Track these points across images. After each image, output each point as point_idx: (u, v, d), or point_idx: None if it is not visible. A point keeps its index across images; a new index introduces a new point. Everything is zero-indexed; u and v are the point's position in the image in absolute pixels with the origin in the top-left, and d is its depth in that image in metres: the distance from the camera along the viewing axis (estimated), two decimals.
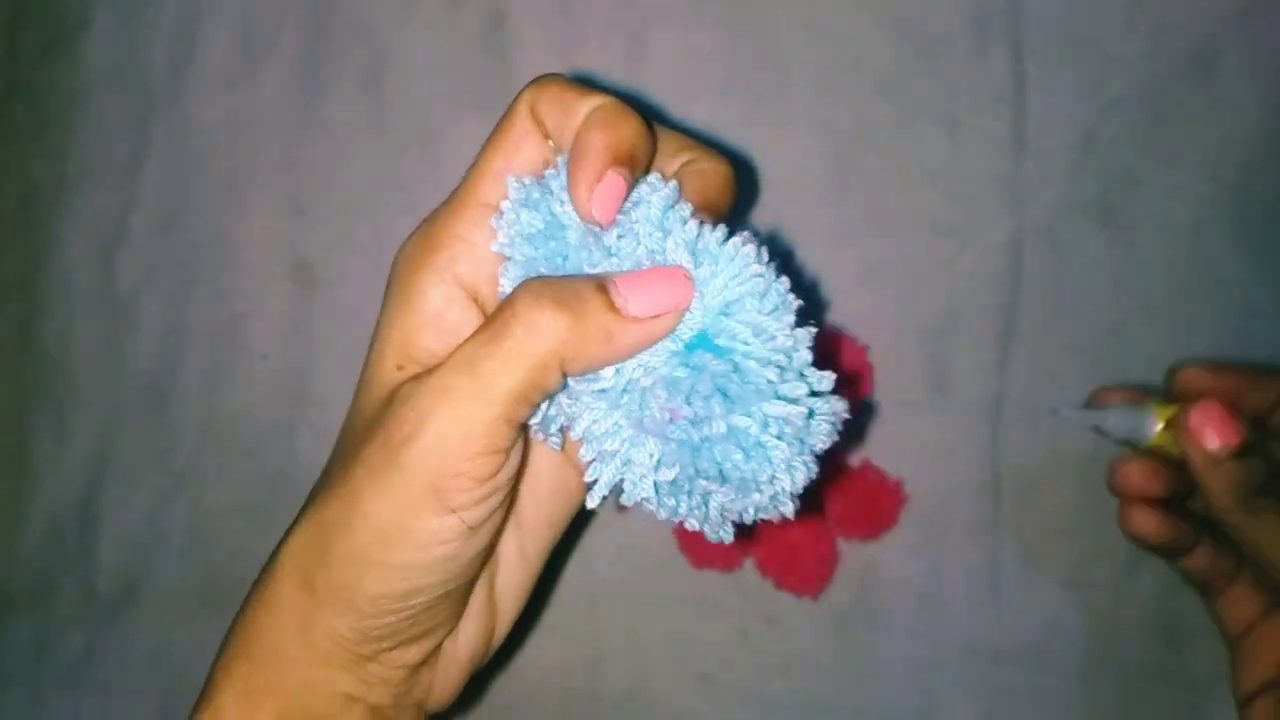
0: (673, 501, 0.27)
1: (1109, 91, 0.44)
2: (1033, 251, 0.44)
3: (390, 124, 0.49)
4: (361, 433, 0.28)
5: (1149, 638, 0.43)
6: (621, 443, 0.27)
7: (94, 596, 0.50)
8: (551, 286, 0.26)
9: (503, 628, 0.32)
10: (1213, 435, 0.33)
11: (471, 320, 0.28)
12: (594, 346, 0.25)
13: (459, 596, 0.29)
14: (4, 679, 0.51)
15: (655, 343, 0.26)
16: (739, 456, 0.26)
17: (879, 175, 0.45)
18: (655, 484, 0.27)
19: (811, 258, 0.45)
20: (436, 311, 0.28)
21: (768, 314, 0.27)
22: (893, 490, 0.44)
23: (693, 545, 0.44)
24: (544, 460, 0.32)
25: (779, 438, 0.26)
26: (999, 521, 0.44)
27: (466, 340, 0.26)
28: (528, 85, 0.30)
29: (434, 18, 0.49)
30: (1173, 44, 0.44)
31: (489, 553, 0.29)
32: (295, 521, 0.29)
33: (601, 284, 0.26)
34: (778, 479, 0.26)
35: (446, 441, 0.26)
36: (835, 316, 0.45)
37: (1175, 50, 0.44)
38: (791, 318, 0.27)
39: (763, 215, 0.46)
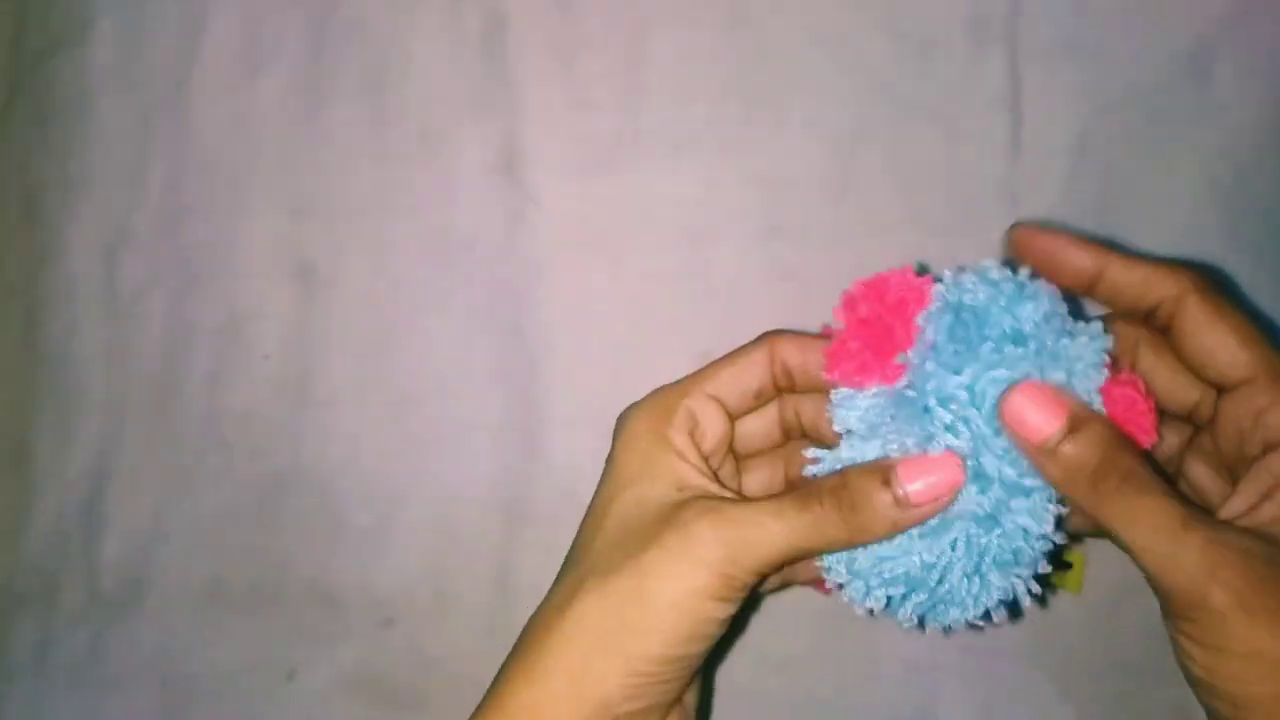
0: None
1: (1105, 93, 0.44)
2: None
3: (392, 125, 0.49)
4: (640, 531, 0.32)
5: (1149, 638, 0.43)
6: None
7: (98, 595, 0.50)
8: (853, 487, 0.30)
9: None
10: (1035, 422, 0.30)
11: (699, 460, 0.34)
12: (877, 530, 0.30)
13: (692, 673, 0.33)
14: (8, 677, 0.51)
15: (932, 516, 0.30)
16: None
17: (876, 176, 0.45)
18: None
19: (810, 258, 0.46)
20: (683, 449, 0.34)
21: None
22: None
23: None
24: None
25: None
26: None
27: (792, 493, 0.31)
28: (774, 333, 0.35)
29: (435, 20, 0.49)
30: (1168, 46, 0.44)
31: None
32: (562, 593, 0.33)
33: (885, 477, 0.30)
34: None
35: (742, 555, 0.30)
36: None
37: (1171, 52, 0.44)
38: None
39: (762, 216, 0.46)
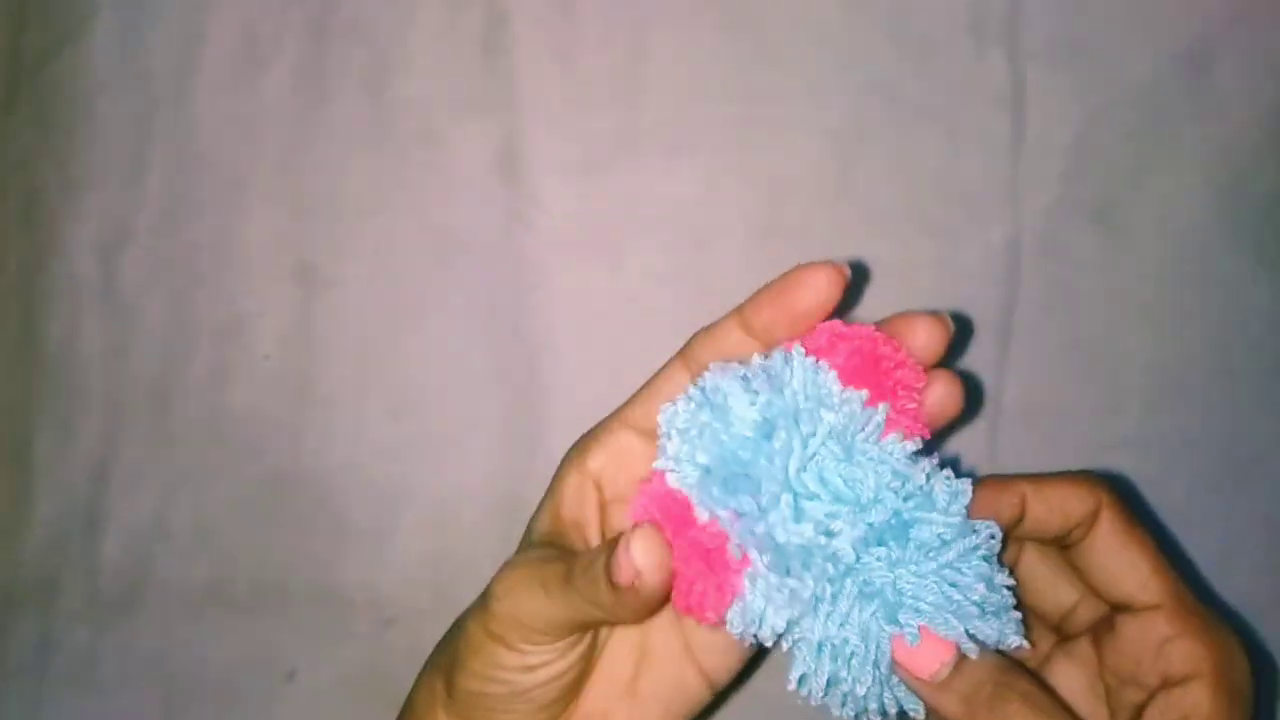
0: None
1: (1106, 93, 0.44)
2: (1030, 252, 0.44)
3: (392, 125, 0.49)
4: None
5: None
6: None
7: (98, 595, 0.50)
8: (592, 569, 0.29)
9: None
10: (925, 659, 0.29)
11: (591, 502, 0.34)
12: (623, 619, 0.30)
13: (533, 711, 0.33)
14: (8, 677, 0.51)
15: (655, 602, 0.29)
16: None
17: (877, 176, 0.45)
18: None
19: (810, 258, 0.45)
20: (572, 491, 0.34)
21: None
22: None
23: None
24: (664, 649, 0.34)
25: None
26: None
27: (581, 557, 0.30)
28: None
29: (435, 19, 0.49)
30: (1169, 45, 0.44)
31: (563, 686, 0.33)
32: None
33: (607, 564, 0.29)
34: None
35: (519, 613, 0.31)
36: (833, 316, 0.45)
37: (1171, 51, 0.44)
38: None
39: (762, 216, 0.46)
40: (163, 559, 0.50)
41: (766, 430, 0.28)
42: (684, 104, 0.47)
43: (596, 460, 0.34)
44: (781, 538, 0.27)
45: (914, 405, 0.30)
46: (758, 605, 0.28)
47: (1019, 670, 0.30)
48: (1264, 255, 0.43)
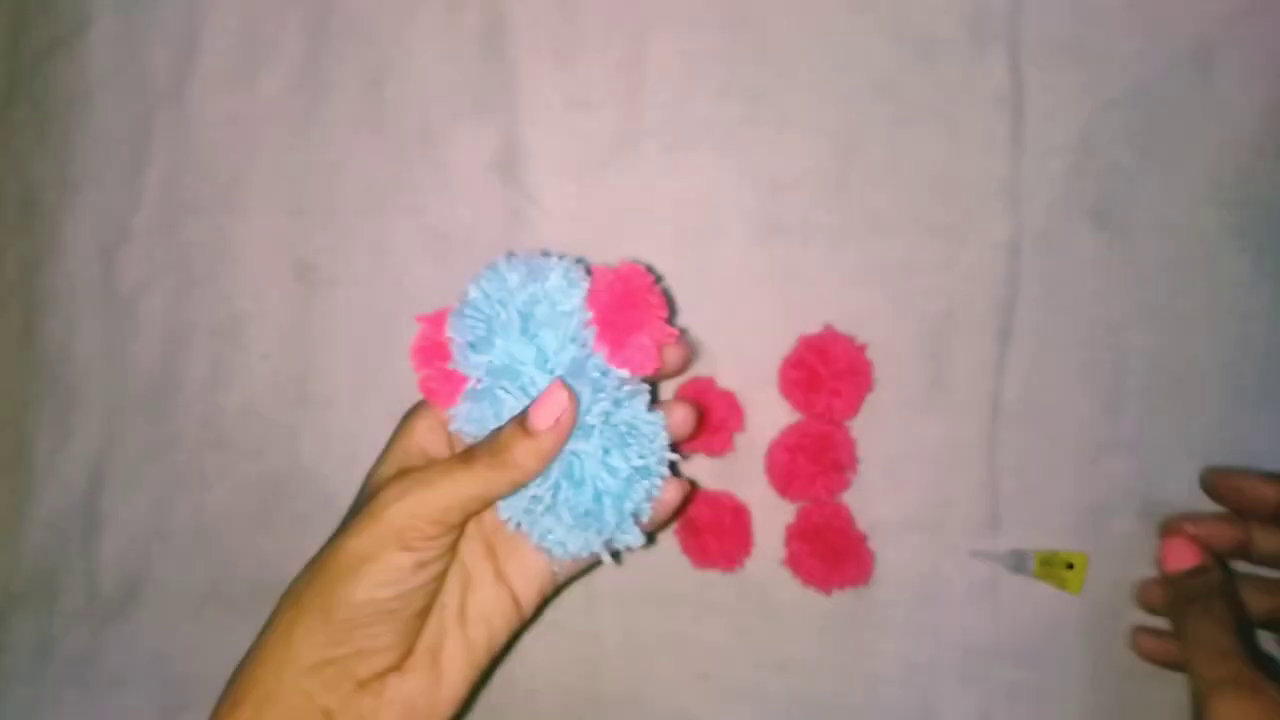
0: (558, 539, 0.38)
1: (1106, 92, 0.44)
2: (1030, 251, 0.44)
3: (391, 125, 0.49)
4: (354, 510, 0.38)
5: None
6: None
7: (96, 595, 0.50)
8: (499, 439, 0.36)
9: (446, 694, 0.38)
10: (1174, 559, 0.40)
11: (442, 439, 0.40)
12: (524, 464, 0.35)
13: (403, 622, 0.37)
14: (7, 677, 0.51)
15: (564, 440, 0.36)
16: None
17: (877, 176, 0.45)
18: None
19: (811, 258, 0.46)
20: (422, 436, 0.39)
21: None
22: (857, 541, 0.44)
23: (695, 547, 0.45)
24: (483, 577, 0.40)
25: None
26: (998, 521, 0.44)
27: (454, 456, 0.37)
28: None
29: (434, 19, 0.49)
30: (1170, 44, 0.44)
31: (429, 594, 0.37)
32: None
33: (521, 421, 0.36)
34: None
35: (418, 509, 0.36)
36: (834, 316, 0.45)
37: (1172, 50, 0.44)
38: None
39: (762, 216, 0.46)
40: (162, 559, 0.50)
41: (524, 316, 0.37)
42: (684, 104, 0.47)
43: (437, 414, 0.39)
44: (492, 369, 0.38)
45: (649, 342, 0.38)
46: (465, 409, 0.38)
47: (1224, 594, 0.38)
48: (1264, 255, 0.43)
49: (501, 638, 0.40)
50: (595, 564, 0.40)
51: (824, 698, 0.44)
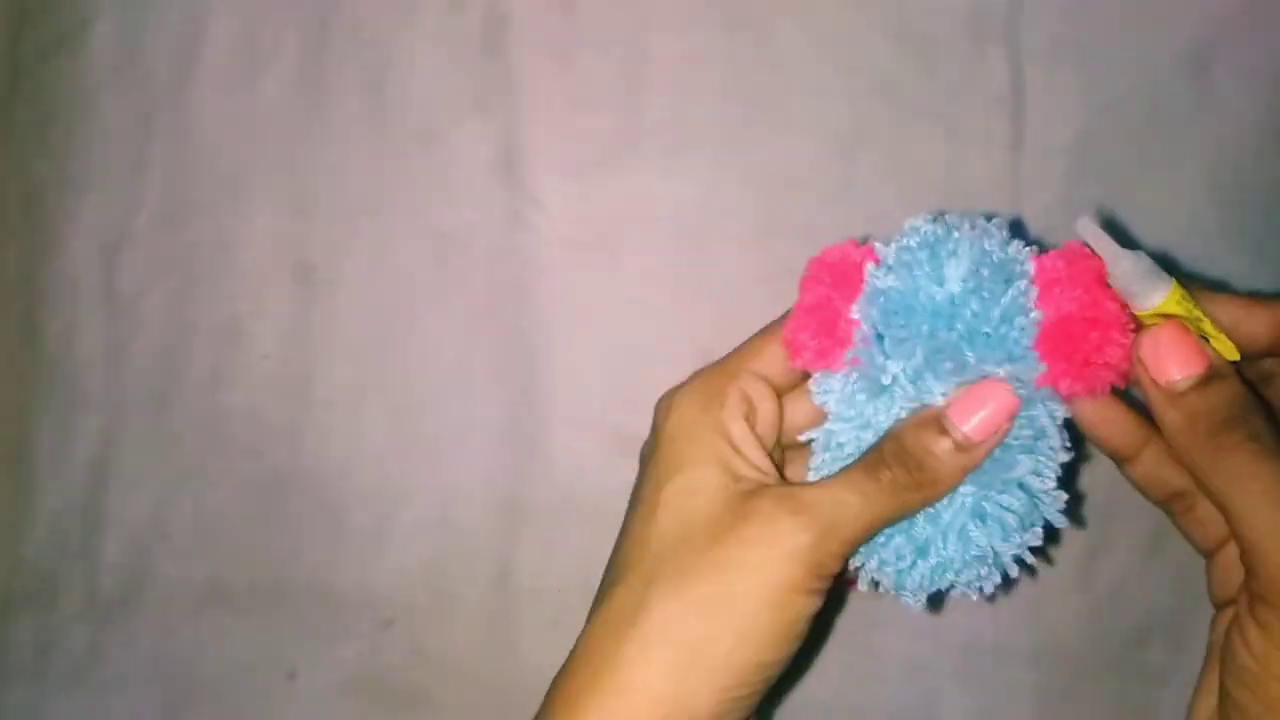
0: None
1: (1106, 92, 0.44)
2: None
3: (392, 125, 0.49)
4: (706, 527, 0.30)
5: (1149, 637, 0.43)
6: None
7: (97, 595, 0.50)
8: (908, 444, 0.30)
9: None
10: (1170, 363, 0.29)
11: (758, 448, 0.33)
12: (947, 480, 0.30)
13: (770, 686, 0.31)
14: (7, 677, 0.51)
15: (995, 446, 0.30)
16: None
17: (877, 176, 0.45)
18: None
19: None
20: (740, 437, 0.32)
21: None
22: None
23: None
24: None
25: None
26: None
27: (856, 466, 0.31)
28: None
29: (436, 19, 0.49)
30: (1169, 45, 0.44)
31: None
32: (627, 598, 0.31)
33: (940, 425, 0.30)
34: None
35: (829, 533, 0.29)
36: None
37: (1171, 52, 0.44)
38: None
39: (762, 216, 0.46)
40: (163, 559, 0.50)
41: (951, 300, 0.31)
42: (684, 104, 0.47)
43: (735, 423, 0.33)
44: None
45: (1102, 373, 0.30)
46: (841, 384, 0.32)
47: (1260, 413, 0.28)
48: (1264, 255, 0.43)
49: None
50: None
51: (824, 697, 0.44)
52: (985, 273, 0.31)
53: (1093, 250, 0.30)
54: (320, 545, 0.48)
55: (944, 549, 0.31)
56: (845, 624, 0.45)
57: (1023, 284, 0.30)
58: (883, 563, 0.32)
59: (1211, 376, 0.28)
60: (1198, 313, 0.29)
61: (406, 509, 0.48)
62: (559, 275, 0.47)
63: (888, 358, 0.31)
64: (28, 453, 0.51)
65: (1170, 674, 0.43)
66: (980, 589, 0.32)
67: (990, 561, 0.32)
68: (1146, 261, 0.30)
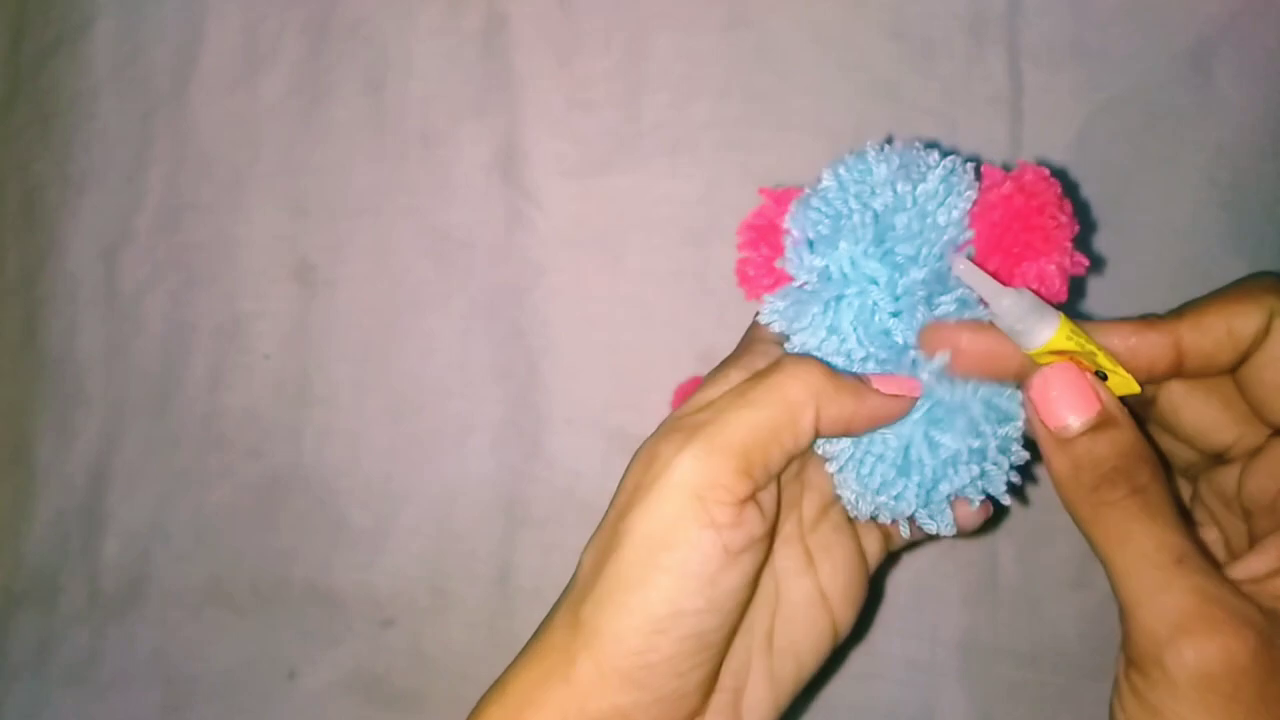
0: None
1: (1105, 92, 0.44)
2: None
3: (392, 125, 0.49)
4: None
5: None
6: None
7: (98, 595, 0.50)
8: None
9: None
10: (1061, 407, 0.27)
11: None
12: (845, 400, 0.28)
13: (708, 657, 0.28)
14: (8, 677, 0.51)
15: (892, 418, 0.29)
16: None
17: None
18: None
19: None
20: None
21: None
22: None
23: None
24: (799, 595, 0.32)
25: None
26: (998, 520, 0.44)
27: (734, 387, 0.29)
28: None
29: (435, 20, 0.49)
30: (1168, 45, 0.44)
31: (740, 609, 0.29)
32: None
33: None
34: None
35: (711, 454, 0.27)
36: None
37: (1170, 51, 0.44)
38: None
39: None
40: (163, 559, 0.50)
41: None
42: (684, 104, 0.47)
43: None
44: (827, 277, 0.31)
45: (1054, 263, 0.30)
46: (780, 306, 0.31)
47: (1151, 466, 0.27)
48: (1264, 256, 0.43)
49: (809, 671, 0.32)
50: (897, 555, 0.36)
51: (824, 697, 0.44)
52: (913, 170, 0.31)
53: (970, 288, 0.30)
54: (320, 545, 0.48)
55: (921, 461, 0.30)
56: None
57: (951, 174, 0.31)
58: (874, 494, 0.31)
59: (1103, 423, 0.27)
60: (1091, 346, 0.28)
61: (406, 509, 0.48)
62: (559, 275, 0.47)
63: (815, 255, 0.31)
64: (29, 452, 0.52)
65: None
66: (986, 494, 0.31)
67: (970, 461, 0.30)
68: (1030, 298, 0.28)
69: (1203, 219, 0.43)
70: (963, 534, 0.32)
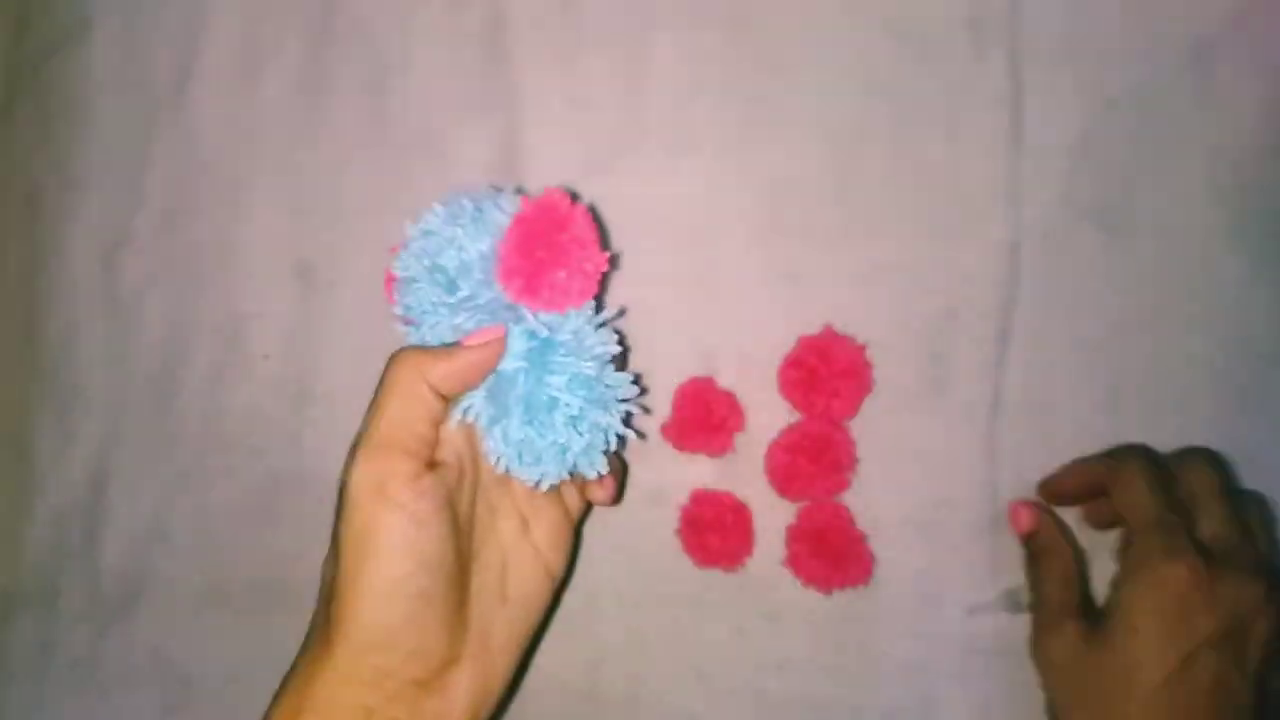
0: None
1: (1105, 92, 0.44)
2: (1030, 252, 0.44)
3: (392, 126, 0.49)
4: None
5: None
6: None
7: (98, 595, 0.50)
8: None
9: (498, 681, 0.38)
10: (1014, 523, 0.43)
11: None
12: (441, 360, 0.35)
13: (438, 612, 0.35)
14: (9, 677, 0.51)
15: (487, 368, 0.36)
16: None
17: (877, 176, 0.45)
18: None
19: (811, 258, 0.46)
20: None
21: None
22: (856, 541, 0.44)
23: (697, 546, 0.45)
24: (521, 555, 0.39)
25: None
26: (998, 520, 0.44)
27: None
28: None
29: (436, 21, 0.49)
30: (1169, 44, 0.44)
31: (452, 568, 0.35)
32: None
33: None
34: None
35: (372, 453, 0.35)
36: (834, 316, 0.45)
37: (1171, 50, 0.44)
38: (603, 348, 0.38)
39: (762, 216, 0.46)
40: (163, 559, 0.50)
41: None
42: (684, 104, 0.47)
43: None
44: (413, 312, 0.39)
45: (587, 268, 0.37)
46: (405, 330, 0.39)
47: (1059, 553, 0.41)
48: (1264, 256, 0.43)
49: (538, 613, 0.40)
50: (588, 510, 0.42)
51: (824, 698, 0.44)
52: (470, 216, 0.38)
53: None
54: (320, 545, 0.48)
55: (525, 416, 0.36)
56: (843, 624, 0.45)
57: (498, 220, 0.37)
58: (508, 447, 0.36)
59: (1032, 532, 0.43)
60: None
61: None
62: None
63: (404, 294, 0.39)
64: (29, 453, 0.52)
65: None
66: (604, 430, 0.38)
67: (564, 409, 0.36)
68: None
69: (1204, 217, 0.43)
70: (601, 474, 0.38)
